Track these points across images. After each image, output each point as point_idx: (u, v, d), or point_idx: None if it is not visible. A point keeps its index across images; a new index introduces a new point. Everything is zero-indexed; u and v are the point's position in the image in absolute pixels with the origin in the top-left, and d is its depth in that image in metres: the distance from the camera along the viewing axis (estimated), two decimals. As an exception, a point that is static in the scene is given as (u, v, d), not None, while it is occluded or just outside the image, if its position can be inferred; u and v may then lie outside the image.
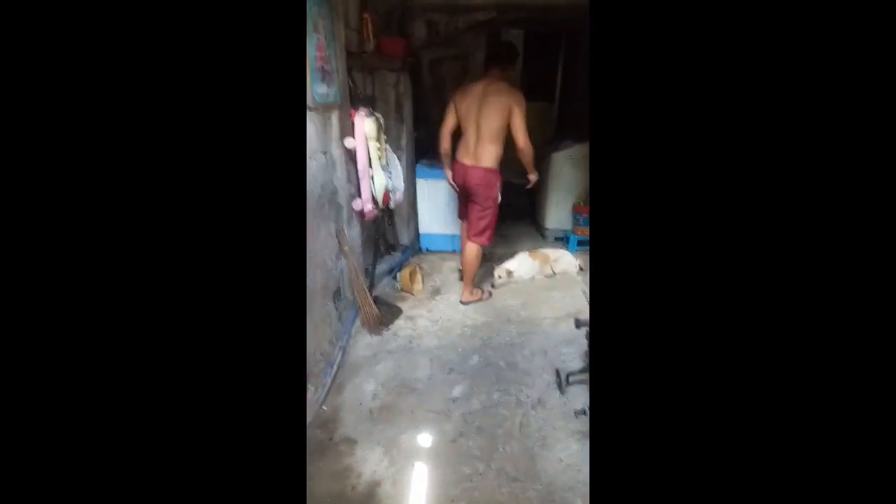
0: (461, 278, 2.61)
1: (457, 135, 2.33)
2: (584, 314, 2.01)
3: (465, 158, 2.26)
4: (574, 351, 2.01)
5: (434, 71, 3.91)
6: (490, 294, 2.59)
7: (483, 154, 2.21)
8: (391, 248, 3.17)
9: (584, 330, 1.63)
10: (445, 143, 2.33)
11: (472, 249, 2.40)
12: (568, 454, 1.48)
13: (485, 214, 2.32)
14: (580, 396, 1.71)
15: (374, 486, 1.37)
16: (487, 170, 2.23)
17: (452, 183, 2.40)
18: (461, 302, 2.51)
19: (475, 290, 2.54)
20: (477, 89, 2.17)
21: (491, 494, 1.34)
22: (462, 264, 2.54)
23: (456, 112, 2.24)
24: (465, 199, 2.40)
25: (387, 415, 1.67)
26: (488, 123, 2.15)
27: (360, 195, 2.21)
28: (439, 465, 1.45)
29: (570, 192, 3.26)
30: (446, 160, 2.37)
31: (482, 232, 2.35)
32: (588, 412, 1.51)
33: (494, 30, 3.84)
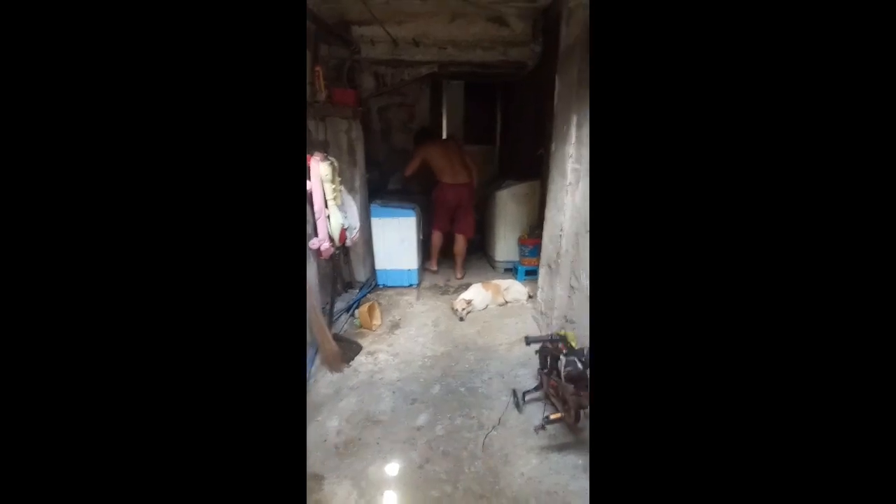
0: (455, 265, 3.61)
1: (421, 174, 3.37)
2: (534, 335, 2.16)
3: (452, 180, 3.29)
4: (528, 372, 2.15)
5: (383, 116, 4.15)
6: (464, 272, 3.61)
7: (462, 176, 3.31)
8: (348, 285, 3.20)
9: (534, 346, 1.78)
10: (409, 172, 3.33)
11: (463, 241, 3.49)
12: (529, 468, 1.57)
13: (470, 215, 3.47)
14: (537, 413, 1.83)
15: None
16: (470, 184, 3.35)
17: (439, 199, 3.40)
18: (457, 278, 3.53)
19: (462, 270, 3.60)
20: (437, 146, 3.38)
21: (460, 514, 1.39)
22: (455, 254, 3.53)
23: (426, 159, 3.27)
24: (449, 211, 3.39)
25: (353, 448, 1.68)
26: (458, 160, 3.33)
27: (316, 234, 2.28)
28: (408, 491, 1.48)
29: (516, 226, 3.53)
30: (410, 180, 3.56)
31: (470, 228, 3.48)
32: (546, 426, 1.63)
33: (436, 81, 4.17)
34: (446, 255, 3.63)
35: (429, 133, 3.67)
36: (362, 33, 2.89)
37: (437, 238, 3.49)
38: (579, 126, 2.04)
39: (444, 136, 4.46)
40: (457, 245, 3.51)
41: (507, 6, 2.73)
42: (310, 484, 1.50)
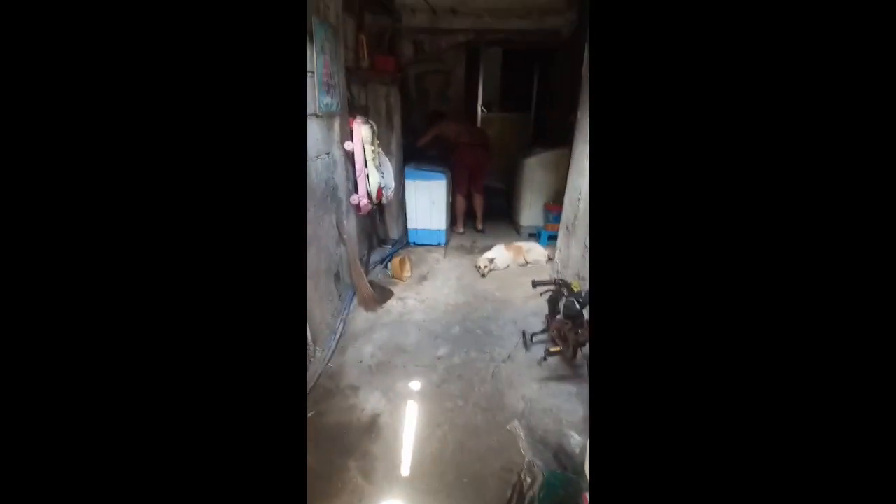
0: (474, 218, 4.01)
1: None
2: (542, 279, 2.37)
3: (470, 141, 3.54)
4: (539, 319, 2.39)
5: (420, 83, 4.32)
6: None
7: (478, 138, 3.64)
8: (382, 241, 3.52)
9: (540, 289, 2.00)
10: (422, 143, 3.60)
11: (481, 199, 3.85)
12: (530, 392, 1.84)
13: (485, 176, 3.83)
14: (541, 350, 2.09)
15: (375, 416, 1.71)
16: (485, 146, 3.66)
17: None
18: (477, 230, 3.97)
19: (482, 221, 4.00)
20: (451, 121, 3.66)
21: (468, 419, 1.69)
22: (475, 208, 3.90)
23: (440, 133, 3.52)
24: (468, 172, 3.64)
25: (383, 369, 2.01)
26: (473, 127, 3.86)
27: (356, 191, 2.56)
28: (427, 402, 1.80)
29: (542, 193, 3.68)
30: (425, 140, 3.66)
31: (483, 187, 3.86)
32: (546, 359, 1.88)
33: (474, 48, 4.26)
34: (469, 216, 3.93)
35: (441, 114, 3.91)
36: (404, 2, 3.04)
37: (460, 203, 3.75)
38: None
39: (479, 105, 4.62)
40: (475, 201, 3.88)
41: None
42: (348, 392, 1.85)
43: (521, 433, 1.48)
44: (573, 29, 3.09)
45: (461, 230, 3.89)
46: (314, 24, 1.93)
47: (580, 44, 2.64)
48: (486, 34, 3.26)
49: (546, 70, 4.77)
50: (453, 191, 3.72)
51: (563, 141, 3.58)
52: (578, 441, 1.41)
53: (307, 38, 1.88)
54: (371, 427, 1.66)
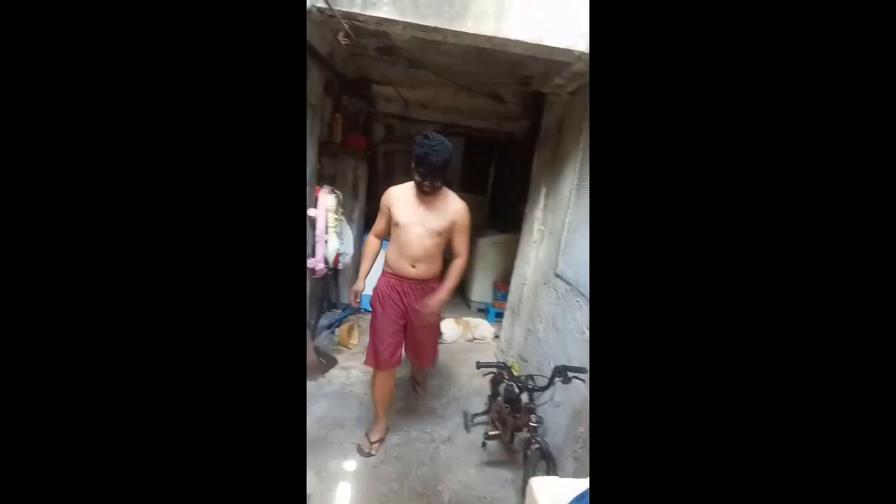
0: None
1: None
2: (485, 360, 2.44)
3: (408, 264, 1.84)
4: (481, 399, 2.43)
5: (388, 160, 4.61)
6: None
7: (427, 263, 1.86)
8: (333, 305, 3.49)
9: (483, 371, 2.06)
10: (375, 233, 2.02)
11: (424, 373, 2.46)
12: (467, 477, 1.83)
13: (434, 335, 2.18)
14: (481, 431, 2.10)
15: (307, 497, 1.61)
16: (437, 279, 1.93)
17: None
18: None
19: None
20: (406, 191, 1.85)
21: (402, 506, 1.64)
22: (417, 382, 2.49)
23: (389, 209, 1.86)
24: (395, 326, 1.90)
25: (318, 446, 1.92)
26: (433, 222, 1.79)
27: (314, 255, 2.61)
28: (361, 485, 1.73)
29: (492, 271, 3.91)
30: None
31: (431, 354, 2.17)
32: (485, 444, 1.90)
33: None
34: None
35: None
36: (380, 91, 3.38)
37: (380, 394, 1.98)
38: (547, 196, 2.46)
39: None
40: (417, 374, 2.46)
41: (504, 87, 3.25)
42: (277, 468, 1.74)
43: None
44: (525, 133, 3.55)
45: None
46: (296, 105, 2.11)
47: (531, 146, 3.03)
48: (451, 127, 3.64)
49: (502, 160, 5.29)
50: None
51: (513, 227, 3.91)
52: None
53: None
54: (298, 512, 1.55)
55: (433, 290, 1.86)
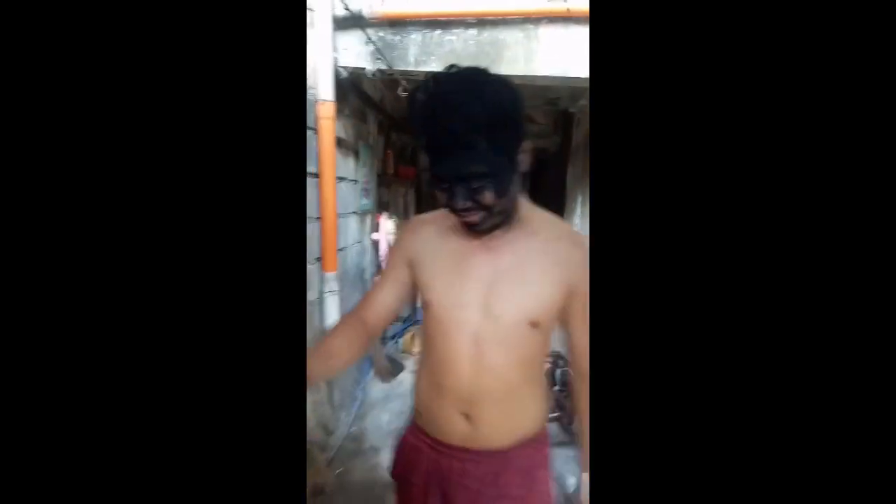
0: None
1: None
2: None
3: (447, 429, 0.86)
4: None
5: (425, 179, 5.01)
6: None
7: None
8: (395, 318, 3.86)
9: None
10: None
11: None
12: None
13: None
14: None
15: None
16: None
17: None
18: None
19: None
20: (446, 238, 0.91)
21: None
22: None
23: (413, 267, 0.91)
24: None
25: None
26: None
27: (379, 274, 2.99)
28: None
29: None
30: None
31: None
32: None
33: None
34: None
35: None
36: (423, 125, 3.79)
37: None
38: (583, 203, 2.71)
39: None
40: None
41: (535, 110, 3.56)
42: (369, 453, 2.07)
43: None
44: (557, 147, 3.82)
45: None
46: (360, 147, 2.53)
47: (564, 159, 3.29)
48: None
49: (538, 173, 5.58)
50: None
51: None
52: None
53: (354, 157, 2.46)
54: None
55: (522, 470, 0.83)
